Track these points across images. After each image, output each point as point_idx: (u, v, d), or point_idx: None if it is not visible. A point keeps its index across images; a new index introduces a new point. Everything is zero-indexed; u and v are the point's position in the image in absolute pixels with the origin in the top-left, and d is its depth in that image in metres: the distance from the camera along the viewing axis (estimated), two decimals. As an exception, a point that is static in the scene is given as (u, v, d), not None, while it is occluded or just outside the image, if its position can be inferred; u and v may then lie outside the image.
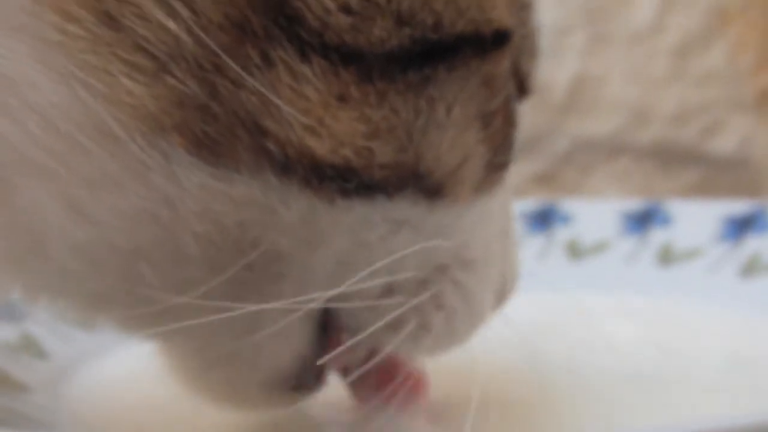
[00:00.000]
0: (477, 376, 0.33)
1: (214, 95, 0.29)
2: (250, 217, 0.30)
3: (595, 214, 0.61)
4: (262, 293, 0.32)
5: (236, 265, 0.31)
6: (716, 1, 0.81)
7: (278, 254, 0.31)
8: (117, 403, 0.42)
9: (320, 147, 0.30)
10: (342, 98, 0.30)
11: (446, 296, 0.34)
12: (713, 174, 0.82)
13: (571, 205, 0.62)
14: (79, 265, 0.31)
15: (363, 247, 0.32)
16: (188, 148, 0.29)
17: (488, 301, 0.36)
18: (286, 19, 0.29)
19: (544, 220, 0.61)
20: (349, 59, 0.29)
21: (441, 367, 0.37)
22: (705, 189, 0.81)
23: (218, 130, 0.29)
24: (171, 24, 0.28)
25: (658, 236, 0.59)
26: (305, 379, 0.35)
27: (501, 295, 0.37)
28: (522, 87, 0.35)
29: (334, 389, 0.37)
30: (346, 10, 0.29)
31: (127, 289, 0.31)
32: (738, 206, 0.58)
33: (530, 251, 0.58)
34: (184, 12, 0.28)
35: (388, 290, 0.33)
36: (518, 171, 0.36)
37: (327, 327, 0.34)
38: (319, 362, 0.33)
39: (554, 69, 0.79)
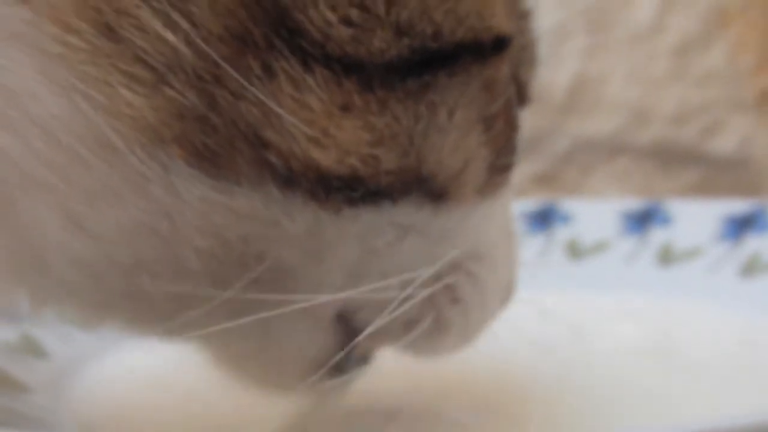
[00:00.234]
0: (479, 378, 0.33)
1: (214, 106, 0.29)
2: (252, 230, 0.30)
3: (595, 214, 0.61)
4: (270, 308, 0.32)
5: (241, 280, 0.31)
6: (716, 1, 0.81)
7: (285, 268, 0.31)
8: (117, 404, 0.42)
9: (326, 158, 0.29)
10: (345, 107, 0.30)
11: (460, 289, 0.34)
12: (713, 174, 0.82)
13: (571, 204, 0.62)
14: (81, 278, 0.31)
15: (371, 254, 0.32)
16: (188, 160, 0.29)
17: (497, 300, 0.36)
18: (287, 30, 0.29)
19: (544, 219, 0.61)
20: (351, 69, 0.29)
21: (445, 369, 0.37)
22: (705, 189, 0.81)
23: (218, 142, 0.29)
24: (170, 35, 0.28)
25: (658, 236, 0.59)
26: (336, 367, 0.35)
27: (505, 296, 0.37)
28: (521, 95, 0.35)
29: (370, 378, 0.37)
30: (347, 22, 0.29)
31: (131, 300, 0.31)
32: (738, 206, 0.58)
33: (530, 251, 0.58)
34: (184, 23, 0.28)
35: (401, 294, 0.33)
36: (518, 171, 0.36)
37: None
38: (335, 359, 0.33)
39: (554, 69, 0.79)
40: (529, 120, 0.36)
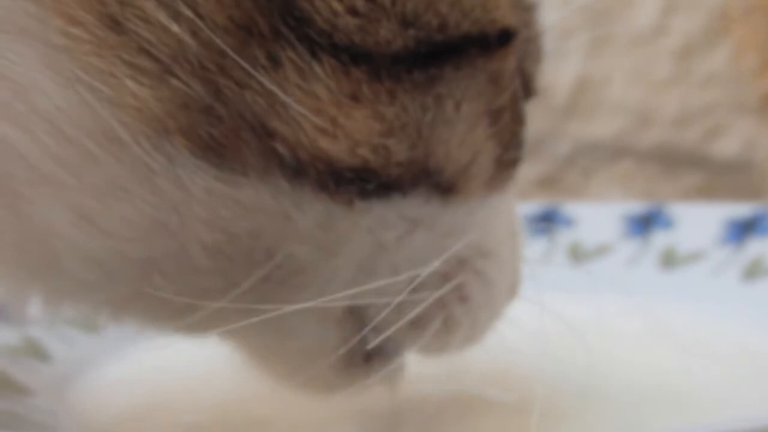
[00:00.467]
0: (484, 380, 0.33)
1: (219, 97, 0.29)
2: (261, 224, 0.30)
3: (597, 217, 0.61)
4: (282, 303, 0.32)
5: (251, 276, 0.31)
6: (719, 3, 0.81)
7: (296, 264, 0.31)
8: (120, 408, 0.42)
9: (335, 148, 0.29)
10: (355, 97, 0.30)
11: (469, 287, 0.34)
12: (716, 177, 0.82)
13: (573, 208, 0.62)
14: (93, 275, 0.31)
15: (382, 248, 0.32)
16: (193, 151, 0.29)
17: (504, 297, 0.36)
18: (294, 19, 0.29)
19: (546, 223, 0.61)
20: (360, 59, 0.29)
21: (450, 371, 0.37)
22: (708, 192, 0.81)
23: (224, 132, 0.29)
24: (174, 26, 0.28)
25: (660, 239, 0.59)
26: (371, 356, 0.35)
27: (512, 292, 0.37)
28: (526, 89, 0.35)
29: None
30: (353, 12, 0.29)
31: (144, 298, 0.31)
32: (741, 209, 0.58)
33: (533, 254, 0.58)
34: (188, 14, 0.28)
35: (412, 289, 0.33)
36: (521, 174, 0.36)
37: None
38: (371, 345, 0.33)
39: (557, 71, 0.79)
40: (531, 122, 0.36)
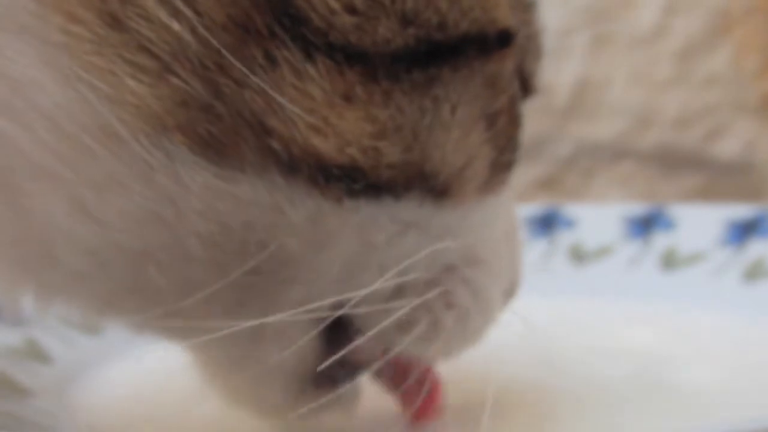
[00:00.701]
0: (487, 381, 0.33)
1: (218, 95, 0.29)
2: (255, 217, 0.30)
3: (598, 219, 0.61)
4: (269, 298, 0.32)
5: (243, 267, 0.31)
6: (720, 4, 0.81)
7: (285, 256, 0.31)
8: (120, 409, 0.43)
9: (325, 146, 0.30)
10: (347, 98, 0.30)
11: (456, 295, 0.34)
12: (717, 178, 0.82)
13: (574, 209, 0.62)
14: (89, 267, 0.31)
15: (371, 248, 0.32)
16: (192, 148, 0.29)
17: (498, 301, 0.36)
18: (290, 18, 0.29)
19: (547, 224, 0.61)
20: (354, 59, 0.30)
21: (453, 372, 0.37)
22: (708, 193, 0.81)
23: (222, 130, 0.29)
24: (174, 24, 0.28)
25: (661, 240, 0.59)
26: (324, 379, 0.35)
27: (508, 295, 0.37)
28: (526, 87, 0.35)
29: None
30: (351, 10, 0.29)
31: (137, 289, 0.32)
32: (741, 210, 0.58)
33: (533, 256, 0.58)
34: (188, 12, 0.28)
35: (398, 291, 0.33)
36: (521, 175, 0.36)
37: (339, 329, 0.34)
38: (320, 367, 0.33)
39: (557, 72, 0.79)
40: (531, 123, 0.36)
